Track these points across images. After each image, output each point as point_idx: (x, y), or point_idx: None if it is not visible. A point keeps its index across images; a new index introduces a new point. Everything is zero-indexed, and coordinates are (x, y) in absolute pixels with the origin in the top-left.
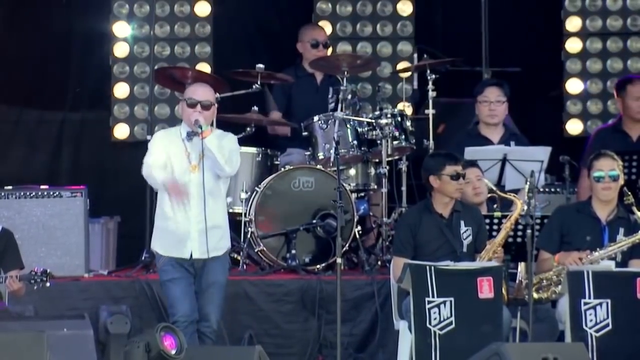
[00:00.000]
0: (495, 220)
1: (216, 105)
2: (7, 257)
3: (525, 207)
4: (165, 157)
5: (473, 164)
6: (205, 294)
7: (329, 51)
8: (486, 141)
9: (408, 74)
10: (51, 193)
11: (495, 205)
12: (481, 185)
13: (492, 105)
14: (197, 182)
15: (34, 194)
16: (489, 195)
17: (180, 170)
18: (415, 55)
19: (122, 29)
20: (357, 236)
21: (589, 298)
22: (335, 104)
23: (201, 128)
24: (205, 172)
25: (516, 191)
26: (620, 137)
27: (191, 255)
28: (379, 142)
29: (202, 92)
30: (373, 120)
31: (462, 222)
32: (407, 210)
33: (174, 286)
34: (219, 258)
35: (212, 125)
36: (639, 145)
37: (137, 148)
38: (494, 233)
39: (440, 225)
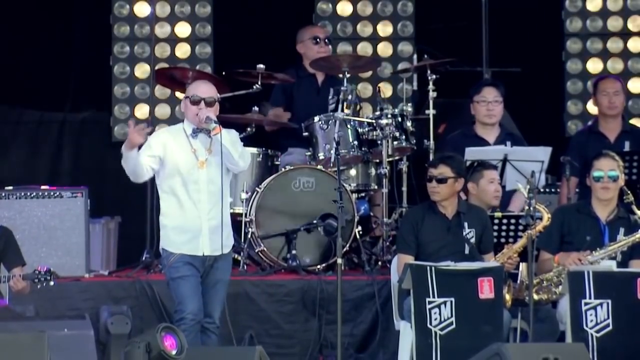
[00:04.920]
0: (496, 221)
1: (218, 102)
2: (9, 255)
3: (548, 216)
4: (161, 153)
5: (495, 167)
6: (211, 291)
7: (330, 48)
8: (482, 141)
9: (408, 74)
10: (52, 193)
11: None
12: (500, 189)
13: (490, 105)
14: (207, 179)
15: (34, 194)
16: None
17: (187, 167)
18: (415, 56)
19: (122, 29)
20: (358, 236)
21: (590, 298)
22: (336, 104)
23: (215, 124)
24: (215, 167)
25: (513, 191)
26: (597, 139)
27: (203, 252)
28: (379, 142)
29: (205, 89)
30: (373, 121)
31: (466, 224)
32: (411, 209)
33: (185, 283)
34: (226, 256)
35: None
36: (617, 146)
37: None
38: (494, 233)
39: (443, 226)
